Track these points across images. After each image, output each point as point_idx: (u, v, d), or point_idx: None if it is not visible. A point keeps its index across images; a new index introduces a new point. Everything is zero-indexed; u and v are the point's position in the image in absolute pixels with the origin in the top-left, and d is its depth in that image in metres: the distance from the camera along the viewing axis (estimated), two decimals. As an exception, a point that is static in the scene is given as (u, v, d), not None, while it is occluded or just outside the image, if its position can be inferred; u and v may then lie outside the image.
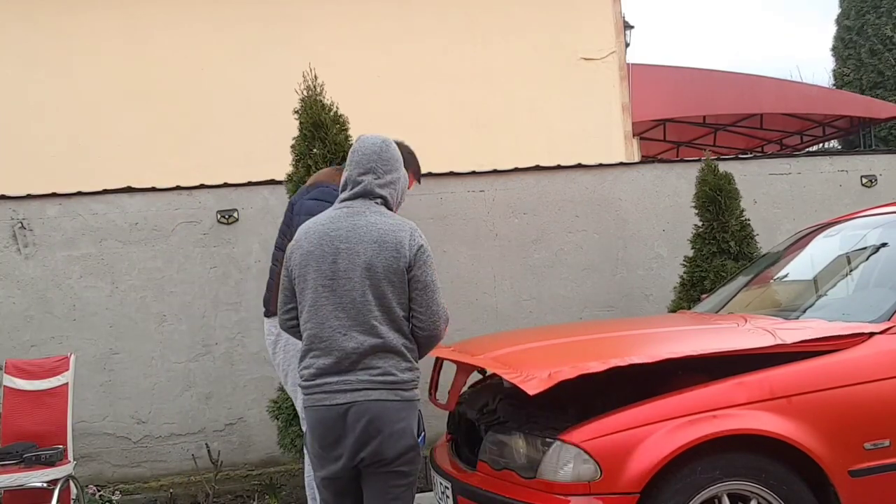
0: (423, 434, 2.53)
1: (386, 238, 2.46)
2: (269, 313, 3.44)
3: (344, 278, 2.44)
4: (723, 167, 5.11)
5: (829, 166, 6.02)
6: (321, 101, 4.45)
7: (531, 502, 2.60)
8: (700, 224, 5.05)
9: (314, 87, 4.49)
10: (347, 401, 2.40)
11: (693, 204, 5.09)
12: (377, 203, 2.57)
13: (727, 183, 4.96)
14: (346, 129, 4.44)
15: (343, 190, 2.61)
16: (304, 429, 3.60)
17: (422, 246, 2.50)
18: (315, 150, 4.33)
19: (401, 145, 3.58)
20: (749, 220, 5.01)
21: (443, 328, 2.54)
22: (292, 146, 4.49)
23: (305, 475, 3.49)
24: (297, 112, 4.50)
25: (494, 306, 5.44)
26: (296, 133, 4.56)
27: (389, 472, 2.43)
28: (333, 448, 2.44)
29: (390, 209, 2.62)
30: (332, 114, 4.43)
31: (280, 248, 3.51)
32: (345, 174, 2.62)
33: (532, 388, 2.54)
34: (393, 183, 2.62)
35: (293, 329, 2.61)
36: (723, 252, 4.90)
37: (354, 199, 2.57)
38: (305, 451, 3.52)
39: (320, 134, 4.33)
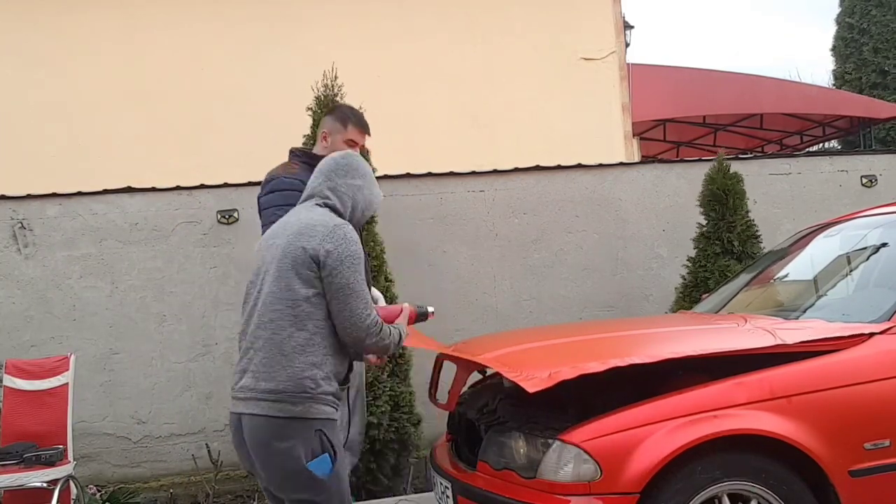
0: (325, 455, 2.28)
1: (303, 231, 2.37)
2: None
3: (263, 273, 2.42)
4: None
5: (829, 166, 6.02)
6: (338, 101, 4.45)
7: (531, 502, 2.60)
8: (704, 223, 5.05)
9: (332, 86, 4.49)
10: (240, 411, 2.32)
11: (698, 203, 5.08)
12: (320, 205, 2.49)
13: (736, 183, 4.96)
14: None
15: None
16: None
17: (334, 250, 2.31)
18: None
19: (333, 108, 3.55)
20: (754, 220, 5.01)
21: (362, 335, 2.34)
22: (304, 143, 4.49)
23: None
24: (310, 109, 4.49)
25: (494, 306, 5.44)
26: (298, 132, 4.56)
27: (289, 499, 2.31)
28: (240, 460, 2.41)
29: (339, 214, 2.49)
30: None
31: None
32: None
33: (532, 386, 2.54)
34: (342, 188, 2.52)
35: None
36: (727, 252, 4.89)
37: (303, 202, 2.57)
38: None
39: None
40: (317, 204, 2.50)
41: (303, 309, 2.31)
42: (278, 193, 3.25)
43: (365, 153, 4.14)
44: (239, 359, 2.42)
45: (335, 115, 3.49)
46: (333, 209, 2.50)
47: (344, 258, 2.33)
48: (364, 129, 3.48)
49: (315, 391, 2.29)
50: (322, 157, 2.82)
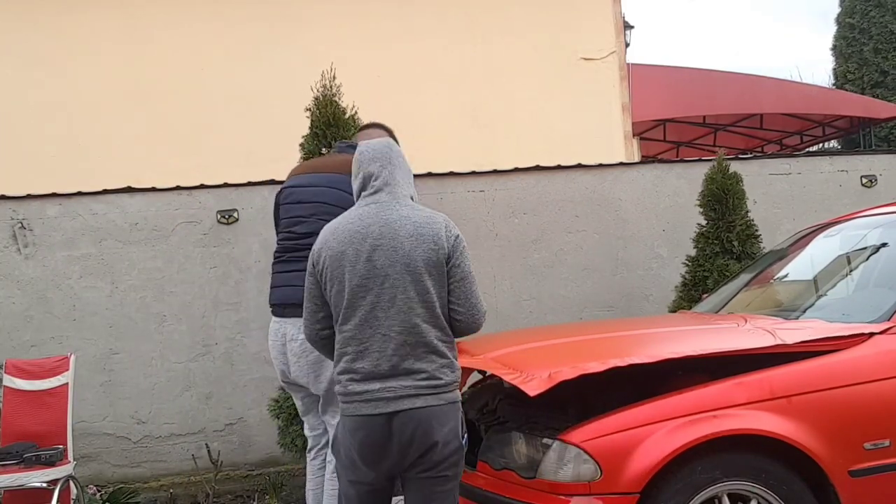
0: (465, 435, 2.46)
1: (422, 231, 2.38)
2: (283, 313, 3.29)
3: (382, 276, 2.34)
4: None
5: (829, 166, 6.02)
6: (336, 101, 4.45)
7: (531, 502, 2.61)
8: (704, 223, 5.05)
9: (330, 87, 4.49)
10: (392, 409, 2.31)
11: (698, 202, 5.08)
12: (403, 196, 2.49)
13: (735, 183, 4.95)
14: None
15: (362, 190, 2.52)
16: (329, 435, 3.51)
17: (458, 236, 2.44)
18: (325, 149, 4.34)
19: (384, 126, 3.53)
20: (754, 220, 5.01)
21: (482, 320, 2.46)
22: (301, 144, 4.49)
23: (308, 487, 3.42)
24: (308, 110, 4.50)
25: (494, 306, 5.43)
26: (298, 132, 4.56)
27: (434, 477, 2.36)
28: (376, 458, 2.35)
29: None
30: (347, 116, 4.43)
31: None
32: (358, 178, 2.53)
33: (532, 388, 2.54)
34: (409, 178, 2.58)
35: (325, 339, 2.50)
36: (726, 252, 4.89)
37: (377, 192, 2.48)
38: (332, 460, 3.44)
39: (332, 133, 4.33)
40: (401, 195, 2.50)
41: (438, 308, 2.38)
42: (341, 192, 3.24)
43: None
44: (365, 363, 2.35)
45: (389, 136, 3.49)
46: (411, 198, 2.53)
47: (463, 247, 2.44)
48: None
49: (458, 378, 2.44)
50: None
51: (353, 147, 3.52)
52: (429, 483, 2.37)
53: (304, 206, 3.33)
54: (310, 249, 2.65)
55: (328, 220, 2.91)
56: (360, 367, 2.35)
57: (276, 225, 3.49)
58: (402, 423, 2.31)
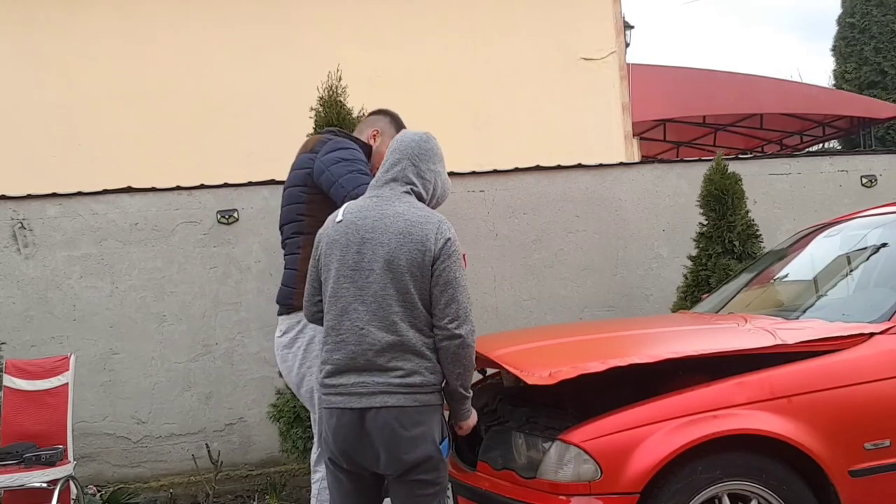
0: (446, 439, 2.41)
1: (412, 230, 2.35)
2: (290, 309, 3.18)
3: (367, 270, 2.36)
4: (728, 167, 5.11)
5: (829, 166, 6.02)
6: (342, 101, 4.44)
7: (531, 502, 2.61)
8: (705, 223, 5.04)
9: (336, 87, 4.48)
10: (364, 405, 2.31)
11: (697, 203, 5.08)
12: (407, 192, 2.48)
13: (734, 183, 4.94)
14: None
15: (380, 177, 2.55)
16: (313, 430, 3.52)
17: (449, 238, 2.36)
18: None
19: (387, 112, 3.50)
20: (754, 220, 5.01)
21: (461, 331, 2.33)
22: None
23: (313, 484, 3.41)
24: (313, 110, 4.49)
25: (494, 306, 5.44)
26: (298, 132, 4.55)
27: (411, 480, 2.34)
28: (352, 451, 2.36)
29: (422, 202, 2.51)
30: (354, 116, 4.42)
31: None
32: (384, 163, 2.56)
33: (532, 379, 2.54)
34: (427, 175, 2.53)
35: (321, 320, 2.51)
36: (727, 252, 4.89)
37: (384, 185, 2.49)
38: (313, 457, 3.44)
39: None
40: (404, 191, 2.48)
41: (420, 310, 2.35)
42: (346, 151, 3.15)
43: None
44: (340, 354, 2.36)
45: (392, 120, 3.46)
46: (419, 196, 2.50)
47: (452, 252, 2.37)
48: None
49: (440, 382, 2.40)
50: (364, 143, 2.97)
51: (337, 133, 3.48)
52: (408, 486, 2.36)
53: (283, 201, 3.35)
54: (289, 241, 3.00)
55: (295, 203, 3.09)
56: (337, 358, 2.37)
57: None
58: (372, 420, 2.31)
